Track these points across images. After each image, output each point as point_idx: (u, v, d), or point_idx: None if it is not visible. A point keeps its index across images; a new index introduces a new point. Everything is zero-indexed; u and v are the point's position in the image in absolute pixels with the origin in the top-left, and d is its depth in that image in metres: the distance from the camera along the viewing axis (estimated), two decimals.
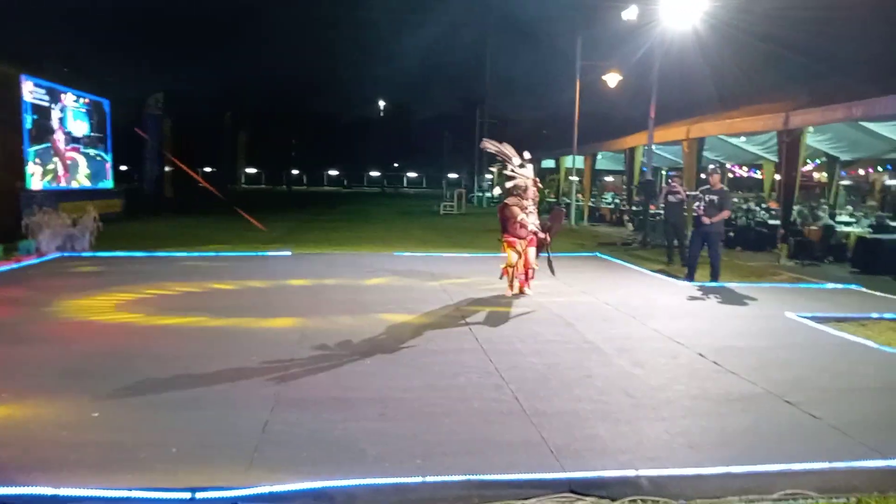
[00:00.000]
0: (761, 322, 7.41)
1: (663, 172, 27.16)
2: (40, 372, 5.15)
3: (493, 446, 3.89)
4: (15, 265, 10.49)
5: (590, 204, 27.78)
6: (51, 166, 19.30)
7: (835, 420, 4.39)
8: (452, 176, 56.46)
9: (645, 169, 22.18)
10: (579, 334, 6.66)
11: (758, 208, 19.98)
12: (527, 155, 8.95)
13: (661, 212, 13.59)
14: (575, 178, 25.02)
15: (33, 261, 11.04)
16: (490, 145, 9.06)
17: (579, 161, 29.27)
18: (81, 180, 21.58)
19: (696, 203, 9.69)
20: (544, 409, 4.53)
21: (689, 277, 10.15)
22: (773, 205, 19.76)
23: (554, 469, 3.59)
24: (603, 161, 31.93)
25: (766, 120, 15.50)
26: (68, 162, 20.54)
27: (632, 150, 23.12)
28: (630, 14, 16.25)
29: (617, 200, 29.19)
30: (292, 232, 18.19)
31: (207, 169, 49.05)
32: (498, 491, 3.39)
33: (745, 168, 32.28)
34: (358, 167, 68.42)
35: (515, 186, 8.81)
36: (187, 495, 3.20)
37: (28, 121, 17.77)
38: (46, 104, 19.04)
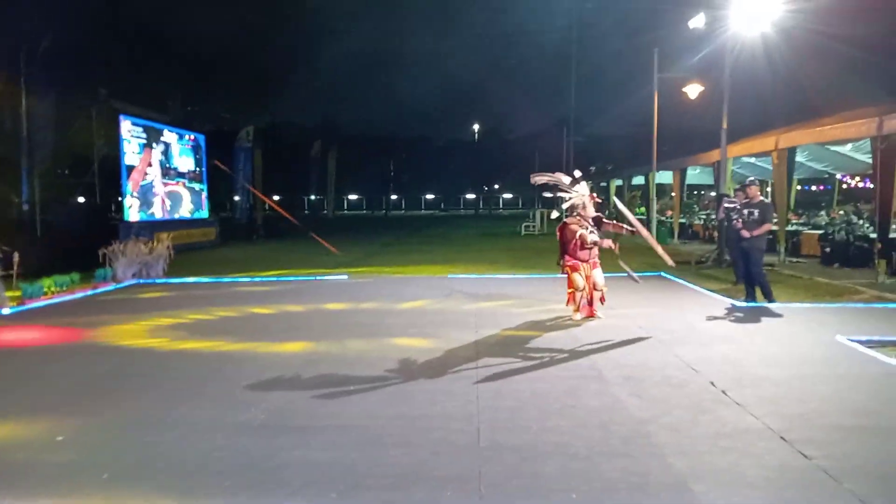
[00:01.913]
0: (804, 348, 6.72)
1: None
2: (38, 394, 5.48)
3: (424, 480, 3.72)
4: (90, 292, 11.30)
5: (680, 220, 26.60)
6: (150, 199, 20.79)
7: (829, 462, 3.88)
8: (548, 195, 55.86)
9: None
10: (590, 361, 6.31)
11: (859, 221, 18.33)
12: (577, 173, 8.68)
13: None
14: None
15: (109, 287, 11.87)
16: (539, 177, 8.83)
17: (668, 177, 28.16)
18: (184, 212, 23.11)
19: (735, 216, 9.01)
20: (503, 441, 4.29)
21: (748, 298, 9.42)
22: None
23: None
24: (701, 175, 30.59)
25: (859, 126, 14.28)
26: (168, 194, 22.04)
27: (725, 164, 21.98)
28: (697, 22, 15.50)
29: (711, 216, 27.77)
30: (365, 256, 18.55)
31: (312, 197, 51.22)
32: None
33: (857, 178, 29.90)
34: (454, 190, 69.23)
35: (572, 206, 8.57)
36: None
37: (125, 157, 19.26)
38: (144, 142, 20.56)
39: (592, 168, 41.50)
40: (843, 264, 14.71)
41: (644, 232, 8.54)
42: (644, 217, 27.93)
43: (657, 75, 21.04)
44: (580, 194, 8.49)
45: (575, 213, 8.48)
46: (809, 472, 3.78)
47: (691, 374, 5.79)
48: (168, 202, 22.12)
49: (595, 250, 8.41)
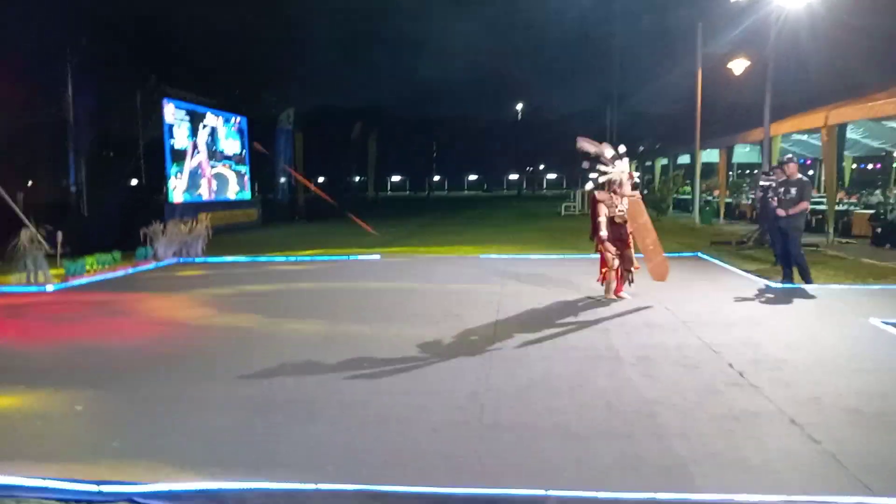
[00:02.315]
0: (834, 330, 6.50)
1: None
2: (71, 365, 5.71)
3: (419, 458, 3.74)
4: (130, 270, 11.67)
5: (727, 200, 25.90)
6: (195, 181, 21.29)
7: (838, 447, 3.75)
8: (588, 170, 55.03)
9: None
10: (608, 341, 6.23)
11: None
12: (621, 149, 8.55)
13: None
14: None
15: (149, 266, 12.23)
16: (585, 143, 8.69)
17: (716, 155, 27.42)
18: (229, 194, 23.61)
19: (771, 195, 8.73)
20: (504, 421, 4.27)
21: (785, 279, 9.14)
22: None
23: (465, 485, 3.39)
24: (751, 154, 29.73)
25: None
26: (214, 176, 22.54)
27: (769, 141, 21.30)
28: None
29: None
30: (402, 236, 18.66)
31: (357, 179, 51.54)
32: (392, 502, 3.26)
33: None
34: (497, 171, 68.83)
35: (609, 181, 8.46)
36: (94, 487, 3.39)
37: (170, 140, 19.74)
38: (190, 125, 21.01)
39: (641, 148, 40.56)
40: (894, 245, 14.13)
41: (647, 241, 8.33)
42: (689, 197, 27.30)
43: (701, 50, 20.39)
44: (619, 170, 8.35)
45: (610, 189, 8.35)
46: (815, 457, 3.66)
47: (710, 356, 5.66)
48: (215, 183, 22.63)
49: (627, 228, 8.30)
